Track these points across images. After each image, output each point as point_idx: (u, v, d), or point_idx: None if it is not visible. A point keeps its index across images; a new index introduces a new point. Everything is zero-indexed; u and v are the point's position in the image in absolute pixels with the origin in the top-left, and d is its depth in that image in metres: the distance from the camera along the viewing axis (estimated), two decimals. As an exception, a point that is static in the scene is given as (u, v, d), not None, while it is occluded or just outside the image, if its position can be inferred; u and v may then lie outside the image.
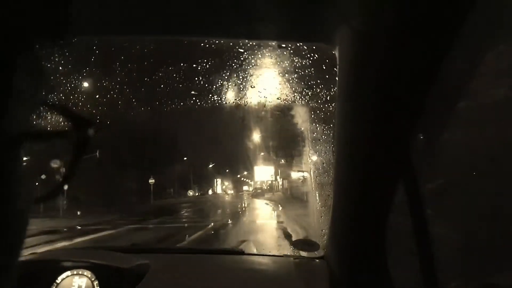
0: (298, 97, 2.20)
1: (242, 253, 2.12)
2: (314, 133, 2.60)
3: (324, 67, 1.72)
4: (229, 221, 12.90)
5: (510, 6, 1.03)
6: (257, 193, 37.60)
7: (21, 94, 0.39)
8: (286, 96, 2.31)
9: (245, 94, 2.53)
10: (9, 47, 0.37)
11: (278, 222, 12.45)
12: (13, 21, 0.36)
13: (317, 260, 1.86)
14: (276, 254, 2.24)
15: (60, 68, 2.06)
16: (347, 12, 0.98)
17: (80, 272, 1.69)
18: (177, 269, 1.88)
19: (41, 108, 0.46)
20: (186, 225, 13.18)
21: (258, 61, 1.95)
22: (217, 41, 1.69)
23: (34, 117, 0.43)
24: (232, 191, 51.40)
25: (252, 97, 2.52)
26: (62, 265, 1.73)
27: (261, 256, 2.15)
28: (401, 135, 1.08)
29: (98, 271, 1.70)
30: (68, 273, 1.69)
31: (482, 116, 1.63)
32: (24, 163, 0.42)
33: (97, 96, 2.90)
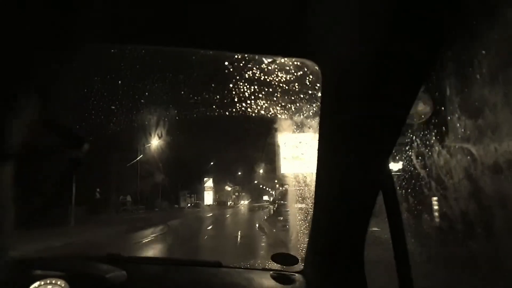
0: (281, 110, 2.23)
1: (219, 265, 2.08)
2: (295, 147, 2.63)
3: (307, 83, 1.76)
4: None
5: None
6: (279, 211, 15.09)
7: (21, 111, 0.40)
8: (271, 109, 2.34)
9: (229, 105, 2.55)
10: (13, 64, 0.37)
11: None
12: (17, 37, 0.37)
13: (296, 275, 1.85)
14: (254, 267, 2.21)
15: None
16: (331, 28, 1.02)
17: (53, 281, 1.64)
18: (153, 280, 1.84)
19: (38, 125, 0.46)
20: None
21: (244, 74, 1.97)
22: (203, 53, 1.70)
23: (31, 133, 0.43)
24: (244, 202, 34.91)
25: (238, 108, 2.54)
26: (35, 273, 1.67)
27: (238, 269, 2.13)
28: (381, 150, 1.12)
29: (72, 280, 1.65)
30: (41, 282, 1.63)
31: (459, 133, 1.70)
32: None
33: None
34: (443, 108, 1.57)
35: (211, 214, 25.73)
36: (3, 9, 0.35)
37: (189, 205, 35.60)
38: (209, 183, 38.11)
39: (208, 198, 37.89)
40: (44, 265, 1.76)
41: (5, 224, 0.40)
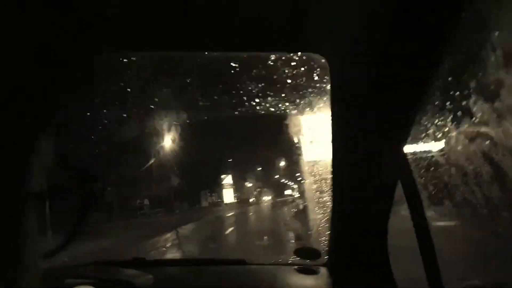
0: (291, 106, 2.22)
1: (244, 262, 2.09)
2: (310, 141, 2.61)
3: (315, 77, 1.74)
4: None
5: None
6: None
7: (41, 156, 0.40)
8: (280, 106, 2.33)
9: (239, 105, 2.54)
10: (33, 113, 0.38)
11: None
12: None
13: (320, 268, 1.85)
14: (278, 263, 2.22)
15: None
16: (337, 21, 1.00)
17: None
18: (179, 281, 1.87)
19: (54, 166, 0.45)
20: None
21: (251, 72, 1.96)
22: (208, 55, 1.69)
23: (47, 174, 0.43)
24: (267, 198, 32.65)
25: (248, 107, 2.53)
26: (65, 282, 1.71)
27: (263, 266, 2.13)
28: (396, 139, 1.09)
29: (102, 287, 1.68)
30: None
31: (476, 117, 1.65)
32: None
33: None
34: (458, 92, 1.53)
35: (232, 213, 23.00)
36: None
37: (209, 204, 33.29)
38: (227, 180, 35.25)
39: (228, 196, 35.23)
40: (73, 273, 1.80)
41: (34, 248, 0.41)
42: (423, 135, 1.77)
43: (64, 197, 0.50)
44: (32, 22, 0.39)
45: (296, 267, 1.91)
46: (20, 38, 0.39)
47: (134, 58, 2.02)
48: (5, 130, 0.38)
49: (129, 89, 2.75)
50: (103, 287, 1.68)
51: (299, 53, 1.57)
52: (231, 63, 1.85)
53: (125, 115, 3.46)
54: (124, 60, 2.04)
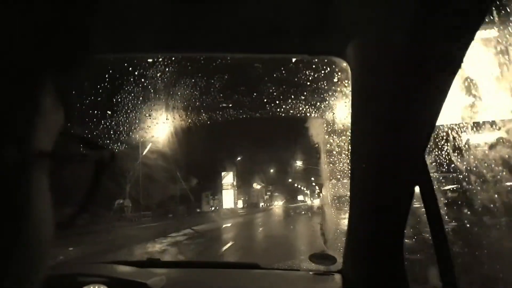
0: (311, 109, 2.23)
1: (257, 267, 2.09)
2: (328, 145, 2.62)
3: (336, 80, 1.75)
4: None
5: None
6: None
7: (45, 116, 0.39)
8: (300, 108, 2.34)
9: (260, 106, 2.57)
10: (35, 69, 0.37)
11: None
12: (37, 44, 0.36)
13: (335, 274, 1.83)
14: (292, 268, 2.20)
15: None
16: (358, 25, 1.02)
17: (96, 287, 1.70)
18: (191, 283, 1.89)
19: (62, 131, 0.44)
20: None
21: (272, 75, 1.99)
22: (232, 57, 1.73)
23: (55, 139, 0.42)
24: (279, 203, 30.02)
25: (267, 110, 2.56)
26: (79, 280, 1.74)
27: (276, 271, 2.13)
28: (416, 145, 1.10)
29: (114, 286, 1.71)
30: None
31: (496, 123, 1.63)
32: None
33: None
34: (479, 97, 1.53)
35: (229, 224, 17.45)
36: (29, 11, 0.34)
37: (212, 208, 28.10)
38: (228, 178, 27.98)
39: (228, 199, 28.30)
40: (86, 271, 1.83)
41: (45, 232, 0.38)
42: (444, 141, 1.76)
43: (72, 161, 0.49)
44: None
45: (310, 273, 1.89)
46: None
47: (160, 59, 2.09)
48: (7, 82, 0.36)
49: (152, 89, 2.83)
50: (116, 286, 1.70)
51: (321, 56, 1.59)
52: (255, 65, 1.89)
53: (148, 115, 3.55)
54: (148, 60, 2.11)
